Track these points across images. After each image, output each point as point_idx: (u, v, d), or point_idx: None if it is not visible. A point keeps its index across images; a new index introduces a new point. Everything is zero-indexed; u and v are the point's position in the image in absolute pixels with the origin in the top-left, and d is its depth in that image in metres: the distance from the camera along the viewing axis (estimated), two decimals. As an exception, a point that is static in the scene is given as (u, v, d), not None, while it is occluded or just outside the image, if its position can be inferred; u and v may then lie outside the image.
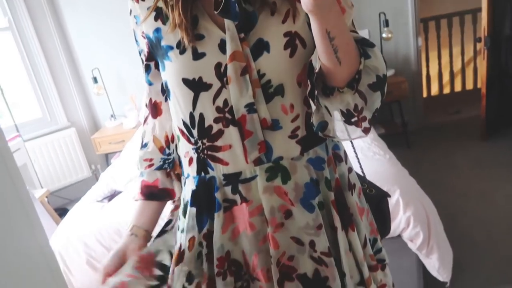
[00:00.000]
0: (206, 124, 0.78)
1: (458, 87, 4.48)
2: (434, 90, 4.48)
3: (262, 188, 0.78)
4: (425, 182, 1.87)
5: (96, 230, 1.73)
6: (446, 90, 4.52)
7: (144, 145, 0.92)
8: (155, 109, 0.89)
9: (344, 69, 0.72)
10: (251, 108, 0.75)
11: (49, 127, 3.45)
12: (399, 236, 1.65)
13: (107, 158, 3.59)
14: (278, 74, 0.76)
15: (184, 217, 0.84)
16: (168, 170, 0.93)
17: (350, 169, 0.89)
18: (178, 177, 0.95)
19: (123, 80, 3.60)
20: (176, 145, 0.92)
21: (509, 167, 2.87)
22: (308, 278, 0.81)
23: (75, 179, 3.51)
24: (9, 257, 0.40)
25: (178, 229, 0.87)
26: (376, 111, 0.77)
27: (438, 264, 1.65)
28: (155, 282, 0.86)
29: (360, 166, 1.02)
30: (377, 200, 0.97)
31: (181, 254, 0.83)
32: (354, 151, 1.03)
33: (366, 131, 0.79)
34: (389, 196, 1.00)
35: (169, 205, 0.97)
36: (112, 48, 3.49)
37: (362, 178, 0.99)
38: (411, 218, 1.59)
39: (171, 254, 0.89)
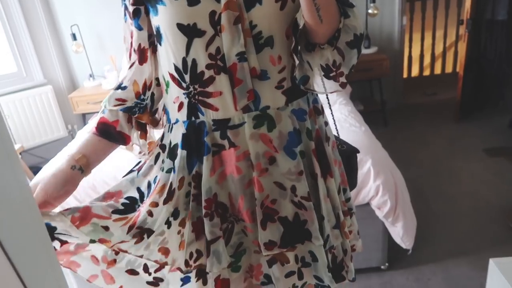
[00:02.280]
0: (199, 70, 0.80)
1: (438, 70, 4.57)
2: (415, 72, 4.56)
3: (249, 134, 0.82)
4: (397, 157, 1.94)
5: (70, 185, 1.73)
6: (426, 72, 4.60)
7: (121, 87, 0.91)
8: (142, 55, 0.89)
9: (325, 27, 0.75)
10: (242, 57, 0.78)
11: (25, 83, 3.35)
12: (368, 204, 1.72)
13: (84, 119, 3.53)
14: (268, 26, 0.79)
15: (171, 159, 0.87)
16: (133, 115, 0.91)
17: (326, 123, 0.95)
18: (140, 126, 0.94)
19: (103, 40, 3.50)
20: (152, 93, 0.92)
21: (477, 148, 2.99)
22: (289, 221, 0.87)
23: (51, 138, 3.45)
24: None
25: (163, 170, 0.88)
26: (352, 68, 0.83)
27: (402, 232, 1.74)
28: (121, 207, 0.88)
29: (335, 126, 1.06)
30: (348, 154, 1.03)
31: (171, 192, 0.86)
32: (331, 112, 1.07)
33: (343, 85, 0.85)
34: (358, 152, 1.07)
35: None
36: (93, 6, 3.37)
37: (336, 136, 1.04)
38: (380, 187, 1.65)
39: (139, 192, 0.92)
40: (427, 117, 3.65)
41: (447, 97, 3.94)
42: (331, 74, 0.83)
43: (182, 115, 0.86)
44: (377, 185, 1.66)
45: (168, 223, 0.87)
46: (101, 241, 0.85)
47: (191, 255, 0.89)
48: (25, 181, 0.46)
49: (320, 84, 0.86)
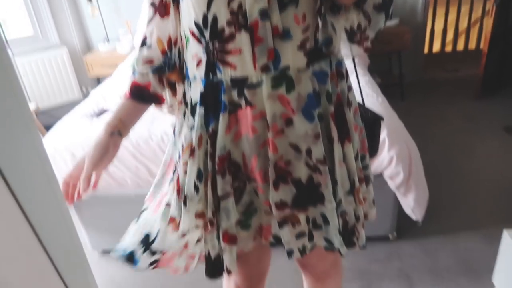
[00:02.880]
0: (219, 26, 0.78)
1: (460, 47, 4.42)
2: (436, 47, 4.41)
3: (266, 94, 0.80)
4: (412, 132, 1.89)
5: (83, 142, 1.74)
6: (448, 48, 4.45)
7: (146, 44, 0.91)
8: (164, 9, 0.87)
9: None
10: (264, 14, 0.75)
11: (40, 44, 3.36)
12: (380, 174, 1.70)
13: (98, 82, 3.54)
14: None
15: (193, 116, 0.87)
16: (164, 74, 0.93)
17: (349, 88, 0.92)
18: (170, 85, 0.96)
19: (118, 3, 3.46)
20: (178, 50, 0.91)
21: (497, 125, 2.92)
22: (302, 183, 0.86)
23: (66, 100, 3.48)
24: (9, 159, 0.42)
25: (188, 128, 0.89)
26: (379, 32, 0.81)
27: (413, 204, 1.72)
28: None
29: (361, 92, 1.04)
30: (372, 121, 1.01)
31: (192, 150, 0.86)
32: (357, 78, 1.04)
33: (367, 50, 0.83)
34: (383, 119, 1.04)
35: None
36: (110, -34, 3.32)
37: (360, 104, 1.02)
38: (394, 157, 1.63)
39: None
40: (446, 93, 3.56)
41: (469, 73, 3.82)
42: (355, 38, 0.81)
43: (200, 72, 0.84)
44: (391, 156, 1.63)
45: (195, 187, 0.87)
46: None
47: (202, 213, 0.90)
48: (40, 140, 0.47)
49: (343, 48, 0.84)
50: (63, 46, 3.44)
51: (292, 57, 0.80)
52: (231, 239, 0.90)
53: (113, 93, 2.26)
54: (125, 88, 0.94)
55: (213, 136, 0.85)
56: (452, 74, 3.96)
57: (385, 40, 3.15)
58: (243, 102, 0.82)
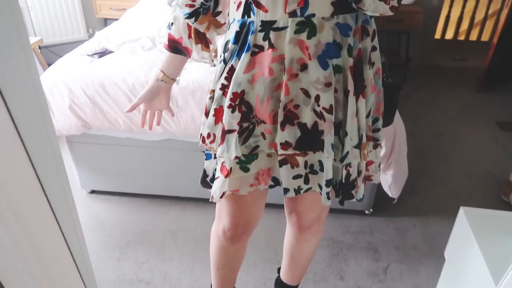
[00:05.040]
0: None
1: (473, 37, 4.36)
2: (449, 35, 4.35)
3: (288, 38, 0.86)
4: (407, 114, 1.92)
5: (82, 79, 1.77)
6: (461, 37, 4.39)
7: None
8: None
9: None
10: None
11: (51, -23, 3.30)
12: (364, 148, 1.75)
13: (105, 24, 3.52)
14: None
15: (224, 52, 0.96)
16: (197, 18, 1.01)
17: (374, 48, 0.95)
18: (199, 38, 1.07)
19: None
20: None
21: (491, 119, 2.94)
22: (307, 127, 0.92)
23: (71, 39, 3.47)
24: (8, 84, 0.45)
25: (218, 62, 0.99)
26: None
27: (391, 181, 1.79)
28: None
29: (385, 60, 1.06)
30: (390, 88, 1.05)
31: (215, 79, 0.99)
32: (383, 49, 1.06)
33: (393, 9, 0.85)
34: (401, 88, 1.08)
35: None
36: None
37: (384, 68, 1.04)
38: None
39: None
40: (448, 81, 3.56)
41: (476, 65, 3.79)
42: None
43: (238, 14, 0.90)
44: (376, 131, 1.67)
45: (209, 107, 1.00)
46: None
47: (208, 135, 0.99)
48: (37, 73, 0.50)
49: (371, 4, 0.84)
50: (73, -18, 3.38)
51: (319, 5, 0.84)
52: (224, 171, 0.96)
53: (117, 34, 2.26)
54: (164, 40, 1.09)
55: (230, 70, 0.92)
56: (459, 63, 3.93)
57: (395, 18, 3.11)
58: (266, 45, 0.87)
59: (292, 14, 0.84)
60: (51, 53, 3.38)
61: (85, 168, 2.04)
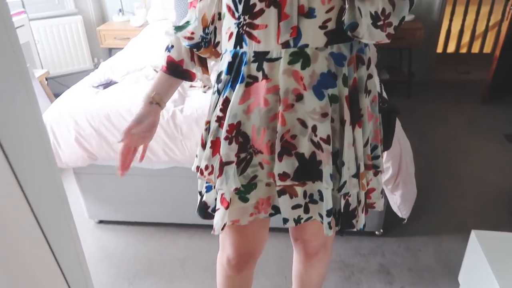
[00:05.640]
0: (251, 1, 0.83)
1: (476, 49, 4.36)
2: (451, 48, 4.36)
3: (282, 69, 0.86)
4: (414, 130, 1.90)
5: (87, 111, 1.80)
6: (463, 50, 4.40)
7: (191, 21, 1.00)
8: None
9: None
10: None
11: (56, 10, 3.40)
12: (371, 169, 1.73)
13: (110, 53, 3.58)
14: None
15: (218, 83, 0.96)
16: (199, 50, 1.02)
17: (370, 76, 0.95)
18: (202, 62, 1.06)
19: (136, -25, 3.47)
20: (215, 27, 1.00)
21: (498, 132, 2.91)
22: (304, 157, 0.92)
23: (77, 69, 3.53)
24: (6, 123, 0.44)
25: (212, 93, 1.00)
26: (403, 20, 0.84)
27: (400, 201, 1.76)
28: None
29: (380, 83, 1.06)
30: (387, 113, 1.04)
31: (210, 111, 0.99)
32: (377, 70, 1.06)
33: (389, 36, 0.85)
34: (399, 113, 1.07)
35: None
36: None
37: (379, 93, 1.04)
38: (384, 154, 1.66)
39: None
40: (454, 95, 3.55)
41: (480, 77, 3.78)
42: (379, 23, 0.83)
43: (230, 45, 0.91)
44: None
45: (206, 138, 0.99)
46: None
47: (206, 167, 0.98)
48: (37, 106, 0.49)
49: (366, 33, 0.85)
50: (78, 14, 3.47)
51: (312, 35, 0.84)
52: (224, 203, 0.96)
53: (121, 65, 2.30)
54: (162, 62, 1.05)
55: (225, 102, 0.92)
56: (463, 77, 3.93)
57: (396, 35, 3.12)
58: (260, 76, 0.88)
59: (285, 44, 0.84)
60: (58, 84, 3.44)
61: (92, 199, 2.04)
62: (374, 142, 1.00)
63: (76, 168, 1.94)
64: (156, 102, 1.02)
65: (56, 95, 3.23)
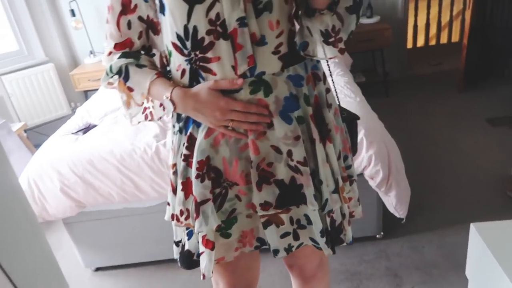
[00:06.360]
0: (199, 36, 0.82)
1: (444, 40, 4.46)
2: (420, 42, 4.45)
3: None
4: (398, 128, 1.91)
5: (69, 159, 1.76)
6: (432, 42, 4.49)
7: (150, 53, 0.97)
8: (155, 27, 0.92)
9: None
10: (242, 22, 0.80)
11: (26, 61, 3.37)
12: (361, 174, 1.73)
13: (86, 96, 3.56)
14: None
15: (178, 122, 0.93)
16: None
17: (328, 90, 0.95)
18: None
19: (103, 15, 3.48)
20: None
21: (480, 117, 2.95)
22: (285, 184, 0.90)
23: (55, 116, 3.49)
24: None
25: (173, 133, 0.97)
26: (351, 34, 0.85)
27: (395, 201, 1.75)
28: None
29: (336, 94, 1.06)
30: (348, 121, 1.05)
31: (174, 153, 0.95)
32: (332, 80, 1.07)
33: (341, 51, 0.86)
34: (358, 118, 1.08)
35: None
36: (91, -20, 3.34)
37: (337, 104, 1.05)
38: (372, 157, 1.66)
39: None
40: (431, 88, 3.60)
41: (452, 67, 3.86)
42: (330, 40, 0.84)
43: (185, 81, 0.88)
44: (369, 155, 1.66)
45: (175, 182, 0.95)
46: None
47: (181, 212, 0.93)
48: (16, 181, 0.48)
49: (319, 51, 0.87)
50: (49, 61, 3.45)
51: (267, 62, 0.84)
52: (209, 244, 0.92)
53: (98, 107, 2.28)
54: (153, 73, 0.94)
55: (190, 139, 0.89)
56: (436, 68, 4.00)
57: (366, 38, 3.18)
58: None
59: (242, 75, 0.83)
60: (38, 134, 3.40)
61: (86, 247, 1.99)
62: (344, 153, 1.00)
63: (65, 219, 1.89)
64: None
65: (37, 146, 3.18)
